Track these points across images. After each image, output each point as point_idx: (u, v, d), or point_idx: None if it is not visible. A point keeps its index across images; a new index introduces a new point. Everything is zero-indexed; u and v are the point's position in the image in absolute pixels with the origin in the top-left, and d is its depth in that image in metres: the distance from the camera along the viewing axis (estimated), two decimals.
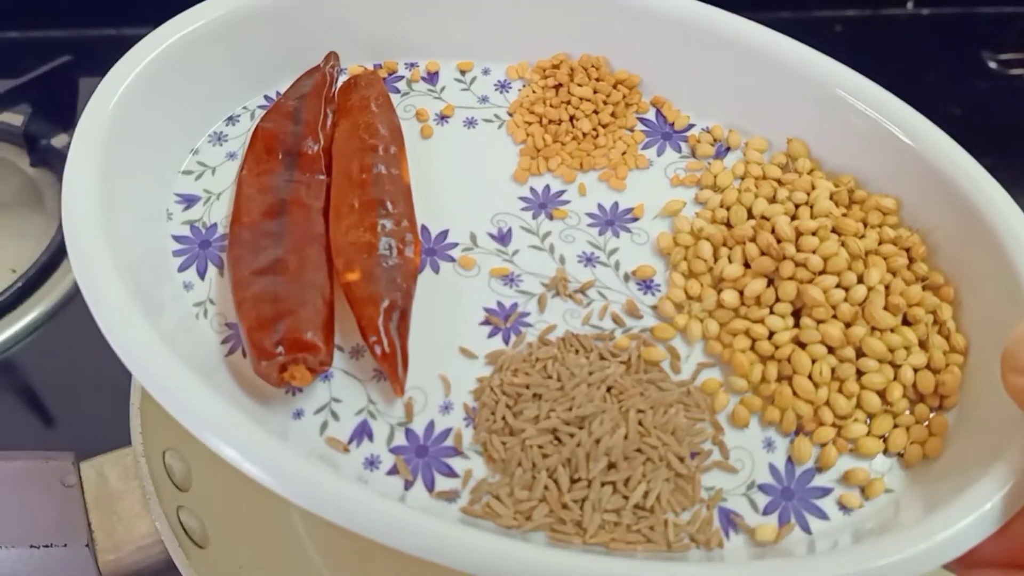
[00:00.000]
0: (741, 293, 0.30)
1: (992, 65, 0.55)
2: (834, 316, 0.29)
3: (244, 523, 0.36)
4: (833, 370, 0.28)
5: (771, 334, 0.29)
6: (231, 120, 0.34)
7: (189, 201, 0.32)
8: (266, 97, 0.35)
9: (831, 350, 0.29)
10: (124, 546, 0.32)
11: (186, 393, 0.25)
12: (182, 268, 0.30)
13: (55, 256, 0.46)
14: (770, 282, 0.30)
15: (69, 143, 0.49)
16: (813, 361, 0.28)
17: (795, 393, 0.28)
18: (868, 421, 0.28)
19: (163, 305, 0.29)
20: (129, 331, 0.26)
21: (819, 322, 0.29)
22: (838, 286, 0.29)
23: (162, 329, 0.26)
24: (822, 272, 0.29)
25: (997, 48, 0.55)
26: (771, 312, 0.29)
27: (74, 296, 0.45)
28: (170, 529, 0.31)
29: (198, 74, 0.33)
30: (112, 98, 0.30)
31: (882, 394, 0.28)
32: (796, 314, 0.29)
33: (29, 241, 0.46)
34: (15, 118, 0.51)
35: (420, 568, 0.24)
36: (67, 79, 0.51)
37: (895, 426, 0.28)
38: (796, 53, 0.34)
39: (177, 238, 0.31)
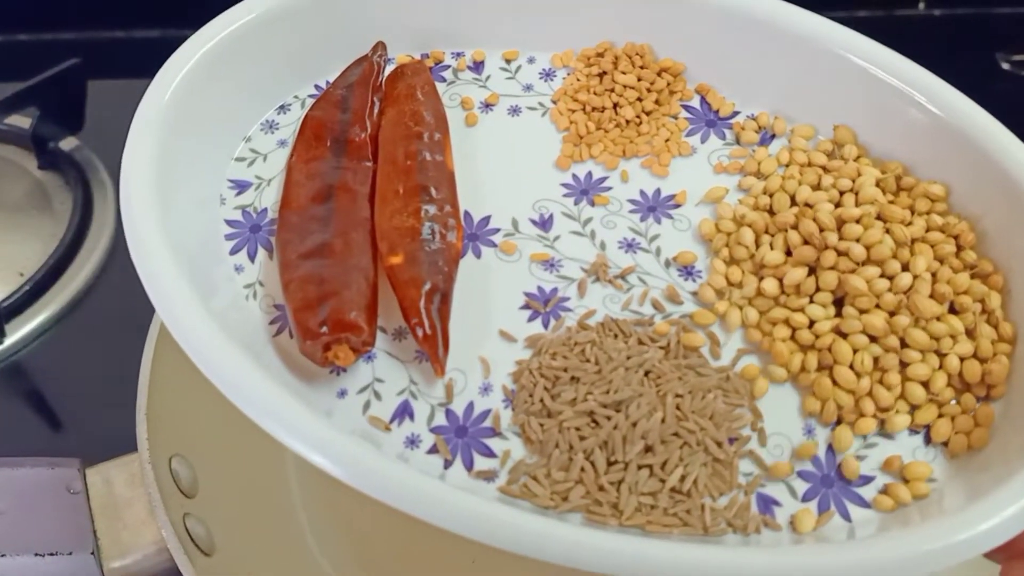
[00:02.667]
0: (781, 281, 0.30)
1: (1005, 66, 0.54)
2: (877, 306, 0.28)
3: (251, 530, 0.36)
4: (876, 360, 0.28)
5: (811, 323, 0.29)
6: (283, 109, 0.35)
7: (241, 187, 0.33)
8: (316, 86, 0.35)
9: (874, 340, 0.28)
10: (130, 554, 0.32)
11: (236, 371, 0.26)
12: (233, 251, 0.31)
13: (63, 259, 0.46)
14: (811, 271, 0.30)
15: (77, 146, 0.50)
16: (855, 351, 0.28)
17: (836, 383, 0.28)
18: (911, 412, 0.28)
19: (215, 286, 0.30)
20: (183, 311, 0.27)
21: (862, 311, 0.29)
22: (882, 275, 0.29)
23: (214, 309, 0.27)
24: (866, 262, 0.29)
25: (1011, 49, 0.54)
26: (811, 301, 0.29)
27: (81, 300, 0.45)
28: (176, 537, 0.30)
29: (252, 64, 0.34)
30: (169, 87, 0.31)
31: (926, 384, 0.28)
32: (839, 303, 0.29)
33: (37, 244, 0.46)
34: (23, 121, 0.51)
35: None
36: (75, 82, 0.51)
37: (939, 416, 0.28)
38: (842, 38, 0.34)
39: (229, 222, 0.32)
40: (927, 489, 0.26)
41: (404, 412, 0.28)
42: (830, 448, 0.27)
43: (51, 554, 0.31)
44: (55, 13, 0.58)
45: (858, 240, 0.29)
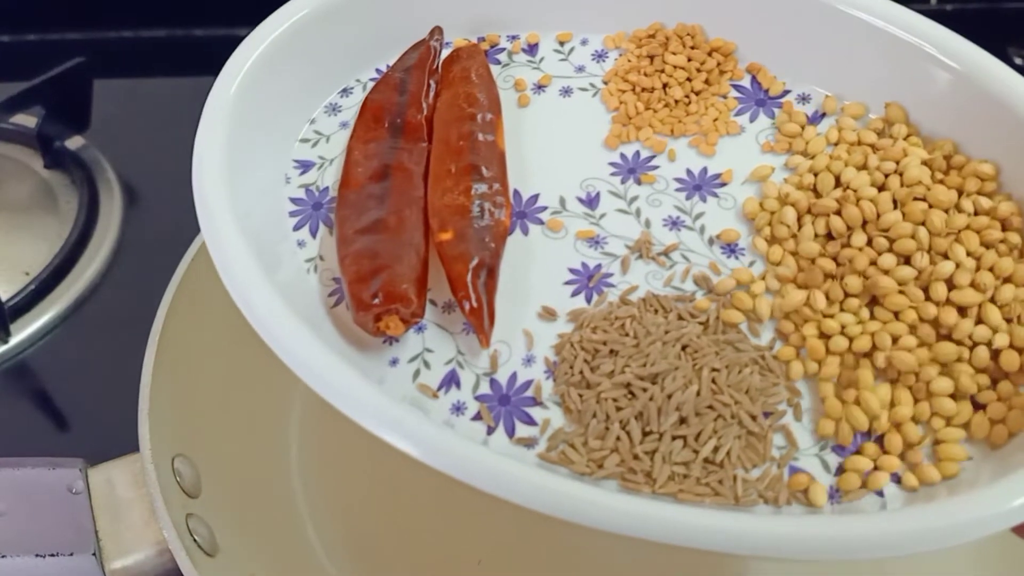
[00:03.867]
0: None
1: (1018, 61, 0.51)
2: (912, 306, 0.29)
3: (254, 531, 0.36)
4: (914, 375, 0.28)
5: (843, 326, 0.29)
6: (345, 92, 0.37)
7: (305, 167, 0.34)
8: (377, 70, 0.37)
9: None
10: (132, 554, 0.31)
11: (293, 340, 0.28)
12: (297, 227, 0.33)
13: (68, 259, 0.45)
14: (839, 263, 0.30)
15: (83, 146, 0.49)
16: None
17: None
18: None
19: (279, 260, 0.32)
20: (249, 284, 0.29)
21: (895, 313, 0.29)
22: (917, 277, 0.29)
23: (278, 282, 0.29)
24: (899, 258, 0.29)
25: (1022, 43, 0.51)
26: (842, 309, 0.29)
27: (87, 299, 0.44)
28: (178, 538, 0.30)
29: (316, 50, 0.36)
30: (239, 72, 0.33)
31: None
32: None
33: (42, 243, 0.45)
34: (29, 120, 0.50)
35: None
36: (81, 81, 0.50)
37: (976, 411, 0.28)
38: (896, 16, 0.33)
39: (293, 200, 0.34)
40: (957, 469, 0.26)
41: (451, 381, 0.29)
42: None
43: (52, 555, 0.30)
44: (61, 13, 0.58)
45: (887, 236, 0.29)
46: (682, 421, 0.27)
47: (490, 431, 0.28)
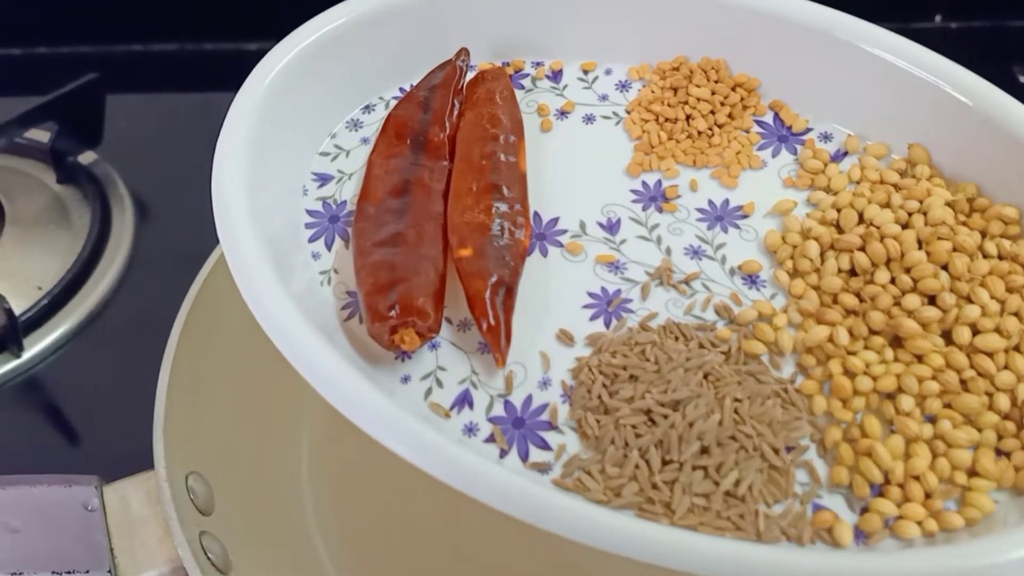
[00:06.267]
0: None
1: (1023, 79, 0.52)
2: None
3: (266, 548, 0.36)
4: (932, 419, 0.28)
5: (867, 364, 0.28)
6: (368, 108, 0.36)
7: (324, 180, 0.34)
8: (401, 89, 0.37)
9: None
10: (146, 572, 0.31)
11: (309, 349, 0.27)
12: (312, 239, 0.32)
13: (80, 273, 0.45)
14: (861, 300, 0.29)
15: (95, 160, 0.50)
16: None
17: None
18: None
19: (293, 271, 0.31)
20: (264, 291, 0.28)
21: (918, 357, 0.28)
22: (942, 317, 0.28)
23: (291, 292, 0.28)
24: (923, 298, 0.29)
25: None
26: (865, 347, 0.29)
27: (100, 314, 0.44)
28: (192, 556, 0.30)
29: (341, 66, 0.35)
30: (263, 83, 0.33)
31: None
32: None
33: (55, 258, 0.45)
34: (42, 135, 0.50)
35: None
36: (94, 96, 0.50)
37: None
38: (918, 57, 0.33)
39: (310, 212, 0.33)
40: (982, 517, 0.26)
41: (464, 400, 0.28)
42: None
43: (68, 572, 0.31)
44: (74, 27, 0.58)
45: (913, 277, 0.29)
46: (703, 451, 0.27)
47: (503, 454, 0.27)
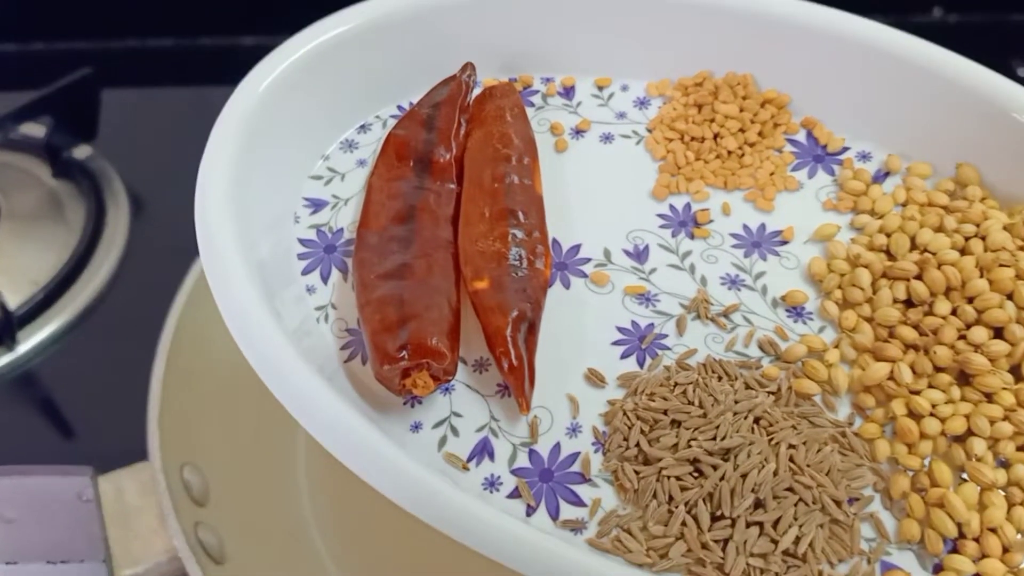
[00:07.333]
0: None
1: (1022, 72, 0.51)
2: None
3: (262, 538, 0.36)
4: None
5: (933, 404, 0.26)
6: (363, 128, 0.33)
7: (317, 205, 0.31)
8: (399, 107, 0.34)
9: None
10: (141, 562, 0.32)
11: (310, 394, 0.24)
12: (306, 271, 0.29)
13: (76, 268, 0.46)
14: (922, 333, 0.27)
15: (90, 155, 0.50)
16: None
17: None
18: None
19: (285, 307, 0.28)
20: (256, 330, 0.25)
21: (987, 395, 0.26)
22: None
23: (285, 330, 0.25)
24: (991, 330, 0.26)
25: None
26: (929, 385, 0.26)
27: (95, 308, 0.45)
28: (187, 546, 0.30)
29: (335, 81, 0.32)
30: (249, 101, 0.30)
31: None
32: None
33: (50, 253, 0.46)
34: (37, 130, 0.51)
35: None
36: (89, 91, 0.51)
37: None
38: (962, 69, 0.31)
39: (303, 241, 0.30)
40: None
41: (483, 450, 0.25)
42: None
43: (63, 561, 0.31)
44: (69, 22, 0.58)
45: (974, 305, 0.26)
46: (758, 505, 0.24)
47: (530, 511, 0.24)
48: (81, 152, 0.52)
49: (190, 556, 0.30)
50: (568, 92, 0.35)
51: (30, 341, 0.43)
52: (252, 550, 0.34)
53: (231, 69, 0.31)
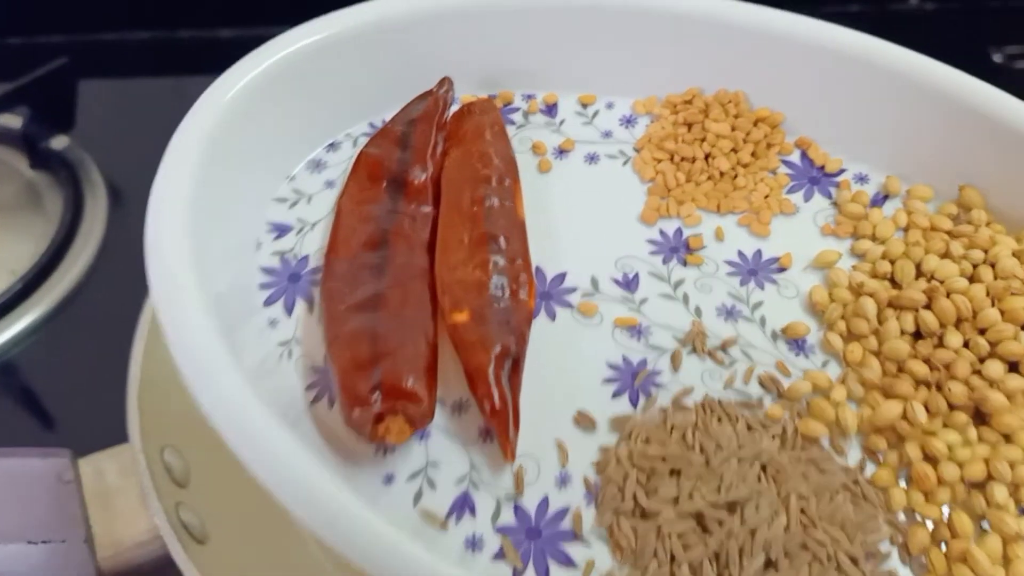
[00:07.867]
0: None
1: (998, 59, 0.51)
2: None
3: (244, 519, 0.33)
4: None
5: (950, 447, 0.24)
6: (332, 146, 0.31)
7: (281, 230, 0.28)
8: (371, 125, 0.32)
9: None
10: (123, 542, 0.31)
11: (267, 444, 0.21)
12: (268, 302, 0.27)
13: (54, 258, 0.46)
14: (933, 367, 0.25)
15: (68, 146, 0.50)
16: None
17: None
18: None
19: (245, 343, 0.25)
20: (211, 370, 0.22)
21: (1005, 436, 0.24)
22: None
23: (244, 369, 0.23)
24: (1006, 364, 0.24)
25: (1003, 42, 0.52)
26: (945, 424, 0.24)
27: (74, 298, 0.45)
28: (169, 525, 0.29)
29: (300, 97, 0.30)
30: (210, 117, 0.28)
31: None
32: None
33: (28, 243, 0.46)
34: (14, 120, 0.51)
35: None
36: (65, 81, 0.51)
37: None
38: (964, 86, 0.30)
39: (265, 269, 0.27)
40: None
41: (464, 506, 0.23)
42: None
43: (44, 541, 0.30)
44: (45, 16, 0.58)
45: (986, 337, 0.25)
46: (768, 564, 0.21)
47: (517, 574, 0.22)
48: (59, 143, 0.51)
49: (172, 535, 0.29)
50: (551, 109, 0.33)
51: (9, 331, 0.43)
52: (234, 530, 0.32)
53: (210, 61, 0.30)
